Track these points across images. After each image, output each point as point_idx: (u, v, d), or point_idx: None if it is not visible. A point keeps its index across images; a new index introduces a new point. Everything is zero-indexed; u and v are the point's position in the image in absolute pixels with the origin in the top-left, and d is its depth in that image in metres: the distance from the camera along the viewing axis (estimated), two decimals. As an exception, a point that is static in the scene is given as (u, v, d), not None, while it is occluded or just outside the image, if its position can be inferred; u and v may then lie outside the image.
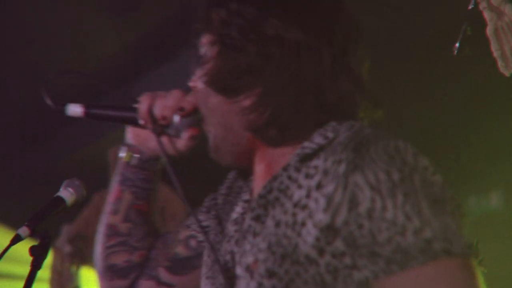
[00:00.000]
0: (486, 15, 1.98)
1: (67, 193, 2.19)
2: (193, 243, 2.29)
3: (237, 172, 2.25)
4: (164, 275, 2.29)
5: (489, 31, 1.97)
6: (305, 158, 1.92)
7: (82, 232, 4.72)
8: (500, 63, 2.05)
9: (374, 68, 2.05)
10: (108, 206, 2.34)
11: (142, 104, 2.23)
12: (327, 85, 1.99)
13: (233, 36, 2.01)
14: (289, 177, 1.94)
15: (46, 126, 6.11)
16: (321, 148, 1.93)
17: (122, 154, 2.35)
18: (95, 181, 2.78)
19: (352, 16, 2.07)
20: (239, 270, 1.95)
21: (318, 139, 1.95)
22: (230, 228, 2.08)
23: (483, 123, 5.00)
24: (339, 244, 1.81)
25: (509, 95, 4.66)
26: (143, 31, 5.44)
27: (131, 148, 2.32)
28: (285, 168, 1.94)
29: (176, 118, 2.21)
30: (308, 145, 1.95)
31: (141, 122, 2.24)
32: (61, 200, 2.18)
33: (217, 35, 2.03)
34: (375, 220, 1.77)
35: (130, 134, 2.33)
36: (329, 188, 1.83)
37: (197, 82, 2.11)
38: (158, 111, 2.21)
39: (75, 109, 2.27)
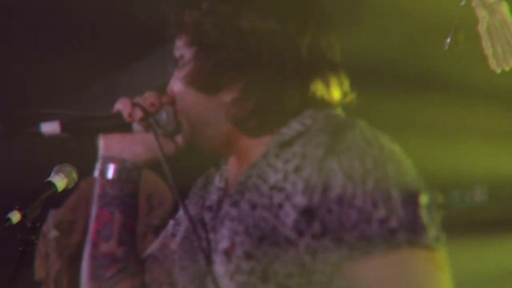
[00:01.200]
0: (479, 12, 1.99)
1: (58, 178, 2.20)
2: None
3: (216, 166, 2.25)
4: None
5: (481, 28, 1.99)
6: (284, 145, 1.95)
7: (68, 218, 4.71)
8: (491, 60, 2.07)
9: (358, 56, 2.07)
10: (95, 235, 2.19)
11: (123, 104, 2.13)
12: (306, 75, 2.02)
13: (209, 34, 2.01)
14: (268, 164, 1.96)
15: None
16: (299, 135, 1.95)
17: (101, 171, 2.20)
18: (83, 167, 2.78)
19: (322, 2, 2.09)
20: (216, 256, 1.96)
21: (296, 125, 1.98)
22: (206, 216, 2.08)
23: (468, 117, 5.02)
24: (316, 226, 1.84)
25: (494, 91, 4.68)
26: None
27: (111, 161, 2.18)
28: (264, 155, 1.97)
29: (164, 110, 2.14)
30: (286, 132, 1.98)
31: (128, 119, 2.12)
32: (52, 184, 2.19)
33: (193, 36, 2.03)
34: (344, 206, 1.81)
35: (107, 145, 2.19)
36: (306, 171, 1.87)
37: (173, 85, 2.11)
38: (144, 100, 2.14)
39: (50, 127, 2.06)
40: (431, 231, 1.82)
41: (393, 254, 1.78)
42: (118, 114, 2.12)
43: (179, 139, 2.17)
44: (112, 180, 2.18)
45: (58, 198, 2.26)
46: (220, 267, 1.94)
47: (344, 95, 2.05)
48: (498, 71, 2.10)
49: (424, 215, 1.83)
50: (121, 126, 2.13)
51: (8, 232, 2.13)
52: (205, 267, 1.98)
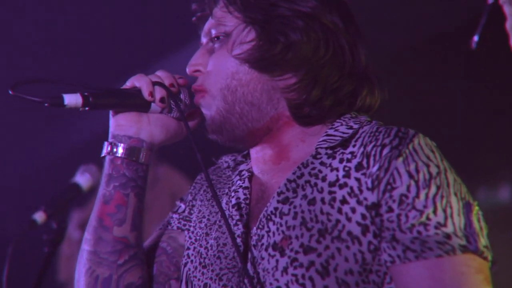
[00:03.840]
0: (506, 9, 1.97)
1: (83, 179, 2.20)
2: None
3: (222, 164, 2.19)
4: (176, 287, 2.12)
5: (508, 25, 1.97)
6: (336, 146, 1.94)
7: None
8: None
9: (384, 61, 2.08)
10: (106, 218, 2.02)
11: (142, 81, 2.03)
12: (359, 79, 2.03)
13: (275, 16, 1.99)
14: (321, 163, 1.95)
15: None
16: (352, 137, 1.95)
17: (111, 150, 2.03)
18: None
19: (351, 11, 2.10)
20: (259, 252, 1.94)
21: (343, 128, 1.98)
22: (234, 213, 2.03)
23: (494, 117, 5.00)
24: (377, 223, 1.85)
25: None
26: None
27: (126, 140, 2.03)
28: (314, 156, 1.95)
29: (181, 90, 2.07)
30: (335, 134, 1.97)
31: (149, 98, 2.01)
32: (77, 186, 2.19)
33: (255, 15, 2.00)
34: (404, 206, 1.82)
35: (121, 123, 2.05)
36: (373, 169, 1.87)
37: (206, 64, 2.05)
38: (163, 80, 2.04)
39: (73, 99, 1.93)
40: (483, 240, 1.84)
41: (446, 259, 1.78)
42: (137, 92, 2.02)
43: (193, 123, 2.09)
44: (128, 161, 2.03)
45: (82, 198, 2.25)
46: (267, 262, 1.91)
47: (375, 102, 2.07)
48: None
49: (476, 223, 1.85)
50: (140, 104, 2.02)
51: (34, 233, 2.13)
52: (238, 264, 1.95)
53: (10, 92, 1.85)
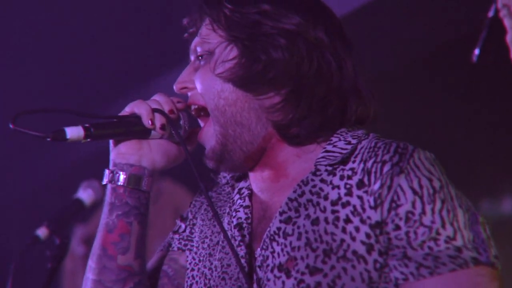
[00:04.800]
0: (507, 22, 1.98)
1: (86, 195, 2.20)
2: None
3: (226, 179, 2.15)
4: None
5: (509, 38, 1.97)
6: (336, 163, 1.93)
7: (96, 233, 4.69)
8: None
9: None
10: (110, 247, 2.02)
11: (142, 108, 2.03)
12: (348, 93, 2.01)
13: (260, 33, 1.97)
14: (322, 180, 1.94)
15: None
16: (351, 153, 1.94)
17: (112, 178, 2.03)
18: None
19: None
20: (264, 273, 1.93)
21: (341, 144, 1.96)
22: (236, 233, 2.02)
23: (496, 129, 5.00)
24: (384, 241, 1.84)
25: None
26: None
27: (128, 168, 2.03)
28: (314, 173, 1.94)
29: (180, 118, 2.06)
30: (334, 150, 1.95)
31: (149, 126, 2.01)
32: (80, 201, 2.19)
33: (236, 33, 1.98)
34: (412, 223, 1.82)
35: (122, 152, 2.05)
36: (375, 187, 1.86)
37: (193, 81, 2.03)
38: (162, 106, 2.04)
39: (75, 132, 1.93)
40: (493, 250, 1.84)
41: (460, 273, 1.79)
42: (137, 119, 2.02)
43: (192, 145, 2.08)
44: (131, 189, 2.03)
45: (85, 214, 2.24)
46: (273, 283, 1.89)
47: (369, 114, 2.05)
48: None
49: (484, 233, 1.85)
50: (141, 131, 2.03)
51: (37, 249, 2.13)
52: (243, 285, 1.93)
53: (11, 126, 1.86)
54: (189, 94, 2.05)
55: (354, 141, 1.96)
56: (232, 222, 2.04)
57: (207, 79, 2.00)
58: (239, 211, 2.05)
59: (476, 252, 1.81)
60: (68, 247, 2.12)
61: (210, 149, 2.02)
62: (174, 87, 2.06)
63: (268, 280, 1.90)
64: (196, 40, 2.05)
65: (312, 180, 1.95)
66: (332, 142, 1.98)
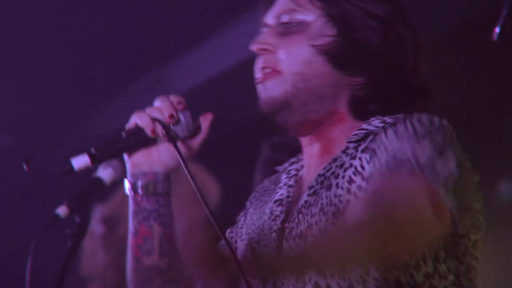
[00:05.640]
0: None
1: (106, 173, 2.20)
2: None
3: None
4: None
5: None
6: (360, 140, 1.98)
7: (115, 212, 4.71)
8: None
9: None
10: (136, 250, 2.21)
11: (143, 120, 2.15)
12: (412, 85, 2.11)
13: (356, 17, 2.06)
14: (346, 155, 2.01)
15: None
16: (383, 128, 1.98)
17: (132, 187, 2.22)
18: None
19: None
20: (288, 243, 2.00)
21: (375, 122, 2.03)
22: (275, 209, 2.11)
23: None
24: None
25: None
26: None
27: (142, 176, 2.21)
28: (344, 151, 2.01)
29: (181, 116, 2.18)
30: (367, 127, 2.03)
31: (152, 135, 2.15)
32: (100, 180, 2.19)
33: (339, 12, 2.05)
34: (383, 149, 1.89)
35: (135, 163, 2.22)
36: (371, 144, 1.95)
37: (273, 44, 2.09)
38: (161, 113, 2.15)
39: (82, 161, 2.13)
40: (451, 194, 1.80)
41: (405, 175, 1.78)
42: (140, 131, 2.16)
43: (199, 138, 2.21)
44: (148, 195, 2.21)
45: (105, 192, 2.26)
46: (294, 253, 1.93)
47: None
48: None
49: (457, 180, 1.83)
50: (146, 142, 2.18)
51: (57, 228, 2.14)
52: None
53: (25, 168, 2.06)
54: (262, 56, 2.12)
55: (389, 120, 1.99)
56: (273, 197, 2.15)
57: (300, 47, 2.07)
58: (282, 188, 2.17)
59: (432, 172, 1.79)
60: (88, 226, 2.13)
61: (271, 97, 2.10)
62: (252, 46, 2.13)
63: (291, 248, 1.99)
64: (284, 6, 2.11)
65: (341, 157, 2.02)
66: (370, 121, 2.05)
